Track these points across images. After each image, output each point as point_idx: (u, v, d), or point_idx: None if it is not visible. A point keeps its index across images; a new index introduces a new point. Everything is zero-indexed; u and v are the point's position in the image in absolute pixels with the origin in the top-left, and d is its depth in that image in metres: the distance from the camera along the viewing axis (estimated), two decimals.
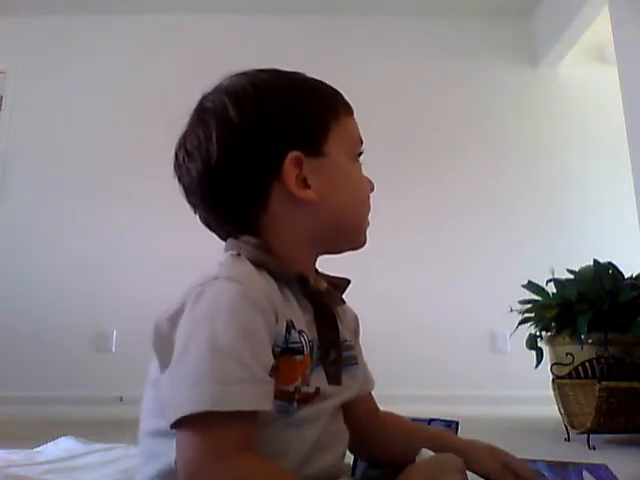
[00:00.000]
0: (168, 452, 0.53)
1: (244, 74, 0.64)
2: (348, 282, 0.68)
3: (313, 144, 0.61)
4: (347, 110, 0.66)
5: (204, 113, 0.62)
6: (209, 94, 0.64)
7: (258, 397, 0.50)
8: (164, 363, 0.54)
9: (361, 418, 0.70)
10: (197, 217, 0.65)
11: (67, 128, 3.14)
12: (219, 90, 0.64)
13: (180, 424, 0.48)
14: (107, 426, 2.03)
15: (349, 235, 0.66)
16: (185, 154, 0.62)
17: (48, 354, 2.79)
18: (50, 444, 1.14)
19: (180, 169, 0.63)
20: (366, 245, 0.67)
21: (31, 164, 3.10)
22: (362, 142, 0.67)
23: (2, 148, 3.09)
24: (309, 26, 3.30)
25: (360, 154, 0.67)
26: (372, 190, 0.68)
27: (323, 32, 3.30)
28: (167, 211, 2.63)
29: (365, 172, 0.68)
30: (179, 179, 0.64)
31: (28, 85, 3.20)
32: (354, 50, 3.26)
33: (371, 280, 2.73)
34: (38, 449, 1.11)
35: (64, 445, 1.12)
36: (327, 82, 0.67)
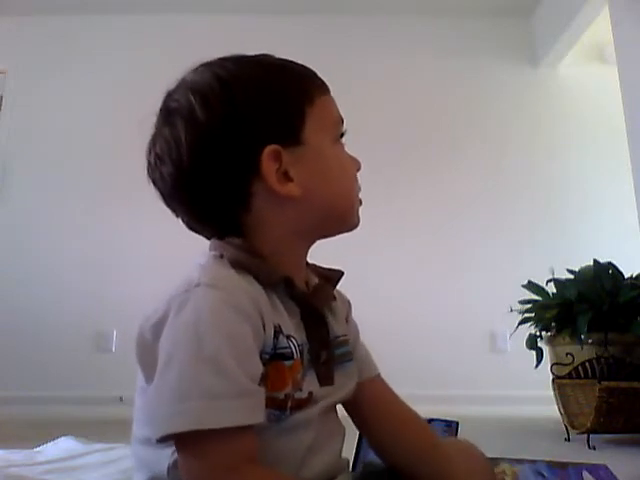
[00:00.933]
0: (159, 460, 0.53)
1: (208, 65, 0.60)
2: (341, 274, 0.65)
3: (290, 134, 0.57)
4: (322, 90, 0.62)
5: (170, 114, 0.59)
6: (173, 92, 0.60)
7: (247, 410, 0.48)
8: (149, 375, 0.53)
9: (363, 406, 0.67)
10: (180, 221, 0.62)
11: (67, 128, 3.14)
12: (183, 87, 0.59)
13: (176, 441, 0.48)
14: (107, 426, 2.03)
15: (340, 220, 0.62)
16: (156, 158, 0.59)
17: (48, 354, 2.78)
18: (50, 444, 1.14)
19: (153, 173, 0.60)
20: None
21: (31, 164, 3.10)
22: (342, 121, 0.63)
23: (2, 148, 3.09)
24: (309, 26, 3.29)
25: (342, 135, 0.63)
26: (359, 169, 0.64)
27: (323, 32, 3.30)
28: (167, 211, 2.63)
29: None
30: (153, 183, 0.60)
31: (28, 85, 3.20)
32: (354, 50, 3.26)
33: (371, 280, 2.73)
34: (38, 449, 1.11)
35: (64, 445, 1.12)
36: (298, 61, 0.63)
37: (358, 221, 0.63)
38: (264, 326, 0.52)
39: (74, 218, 3.02)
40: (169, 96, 0.61)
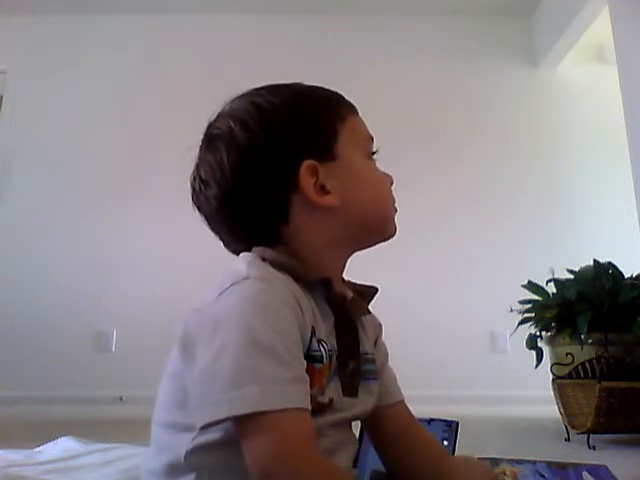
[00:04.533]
0: (179, 445, 0.54)
1: (243, 96, 0.65)
2: (376, 290, 0.68)
3: (324, 149, 0.61)
4: (351, 110, 0.67)
5: (212, 140, 0.63)
6: (214, 121, 0.65)
7: (304, 395, 0.50)
8: (186, 357, 0.54)
9: (382, 423, 0.69)
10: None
11: (67, 128, 3.14)
12: (223, 115, 0.64)
13: (238, 426, 0.49)
14: (107, 426, 2.03)
15: (377, 230, 0.66)
16: (201, 183, 0.63)
17: (48, 354, 2.78)
18: (50, 444, 1.14)
19: (198, 199, 0.64)
20: None
21: (31, 164, 3.10)
22: (372, 139, 0.68)
23: (2, 148, 3.09)
24: (308, 26, 3.29)
25: (374, 153, 0.68)
26: (392, 183, 0.68)
27: (323, 32, 3.30)
28: (167, 211, 2.63)
29: None
30: (199, 209, 0.64)
31: (28, 85, 3.20)
32: (354, 50, 3.26)
33: (371, 281, 2.72)
34: (38, 449, 1.11)
35: (64, 445, 1.11)
36: (326, 86, 0.67)
37: (395, 230, 0.67)
38: (305, 322, 0.54)
39: (74, 218, 3.02)
40: (210, 126, 0.65)
